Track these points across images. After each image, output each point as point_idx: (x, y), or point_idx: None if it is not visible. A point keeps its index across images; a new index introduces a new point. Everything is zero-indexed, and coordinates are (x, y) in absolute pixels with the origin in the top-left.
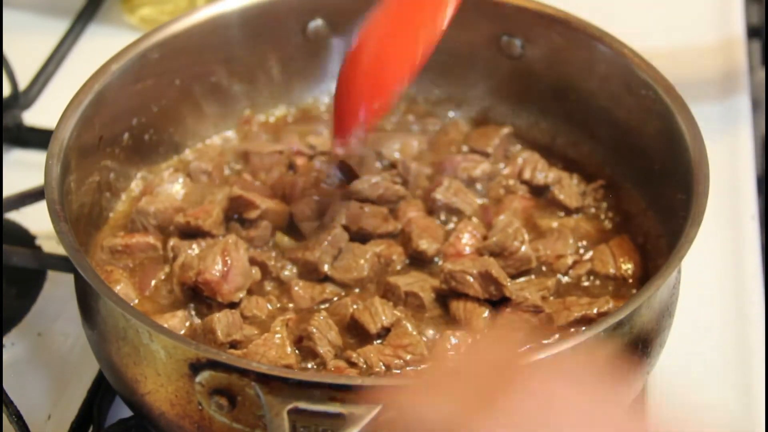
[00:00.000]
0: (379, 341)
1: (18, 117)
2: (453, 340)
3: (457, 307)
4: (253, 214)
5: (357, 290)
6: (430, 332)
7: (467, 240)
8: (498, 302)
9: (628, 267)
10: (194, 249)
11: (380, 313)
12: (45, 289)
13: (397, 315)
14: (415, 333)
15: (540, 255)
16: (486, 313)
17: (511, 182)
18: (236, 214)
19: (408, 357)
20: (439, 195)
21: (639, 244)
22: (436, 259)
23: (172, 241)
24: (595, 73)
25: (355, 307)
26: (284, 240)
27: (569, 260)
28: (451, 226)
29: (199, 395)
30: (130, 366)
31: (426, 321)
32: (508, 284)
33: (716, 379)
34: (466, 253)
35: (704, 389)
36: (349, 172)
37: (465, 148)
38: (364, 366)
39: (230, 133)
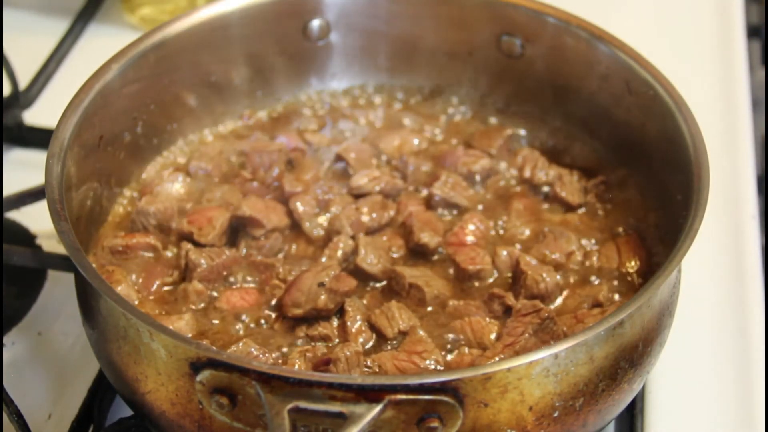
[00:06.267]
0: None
1: (18, 116)
2: (466, 350)
3: (462, 328)
4: (258, 232)
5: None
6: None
7: (471, 230)
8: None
9: (632, 264)
10: (204, 262)
11: (397, 318)
12: (45, 288)
13: (414, 320)
14: (429, 340)
15: (548, 259)
16: (495, 329)
17: (512, 180)
18: (241, 228)
19: (422, 363)
20: (437, 190)
21: (643, 241)
22: (440, 250)
23: (186, 250)
24: (595, 73)
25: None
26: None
27: (578, 255)
28: (451, 219)
29: (199, 394)
30: (130, 365)
31: (427, 317)
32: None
33: (716, 379)
34: (468, 242)
35: (704, 389)
36: (347, 167)
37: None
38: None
39: (230, 132)
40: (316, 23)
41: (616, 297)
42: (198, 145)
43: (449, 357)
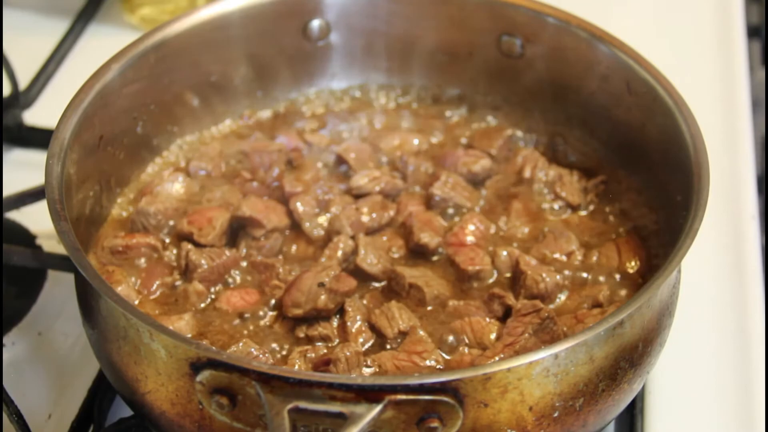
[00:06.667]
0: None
1: (18, 116)
2: (466, 350)
3: (462, 328)
4: (258, 233)
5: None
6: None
7: (471, 230)
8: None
9: (632, 264)
10: (204, 262)
11: (397, 318)
12: (45, 288)
13: (414, 320)
14: (429, 340)
15: (549, 259)
16: (495, 329)
17: (512, 180)
18: (241, 228)
19: (422, 363)
20: (437, 190)
21: (643, 241)
22: (440, 250)
23: (186, 251)
24: (595, 73)
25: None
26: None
27: (578, 255)
28: (451, 219)
29: (199, 394)
30: (130, 365)
31: (427, 317)
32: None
33: (716, 379)
34: (468, 242)
35: (704, 389)
36: (347, 167)
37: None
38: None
39: (230, 132)
40: (316, 23)
41: (617, 297)
42: (198, 145)
43: (449, 357)
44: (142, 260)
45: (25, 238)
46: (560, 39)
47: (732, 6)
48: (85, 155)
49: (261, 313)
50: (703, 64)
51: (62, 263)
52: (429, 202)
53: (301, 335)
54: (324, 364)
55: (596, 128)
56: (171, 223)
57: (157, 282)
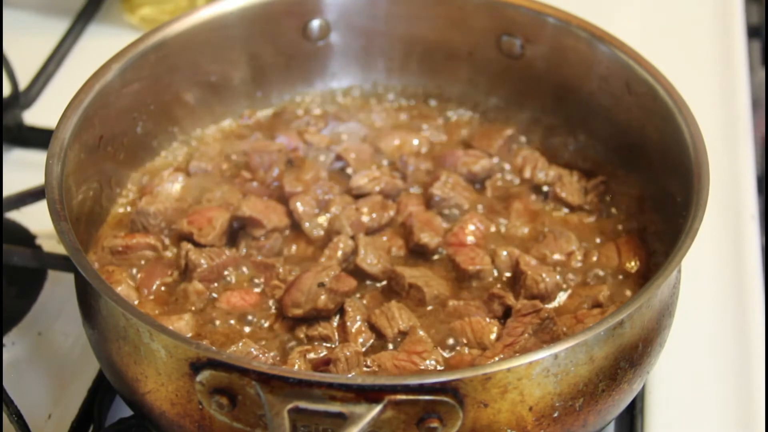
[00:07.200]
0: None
1: (18, 116)
2: (466, 350)
3: (462, 328)
4: (258, 233)
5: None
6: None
7: (471, 230)
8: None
9: (632, 264)
10: (204, 262)
11: (397, 318)
12: (45, 288)
13: (414, 320)
14: (429, 340)
15: (549, 259)
16: (495, 329)
17: (512, 180)
18: (241, 228)
19: (422, 363)
20: (437, 190)
21: (643, 241)
22: (440, 250)
23: (186, 250)
24: (595, 73)
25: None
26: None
27: (578, 255)
28: (451, 219)
29: (199, 394)
30: (130, 365)
31: (426, 317)
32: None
33: (716, 379)
34: (468, 242)
35: (704, 389)
36: (347, 167)
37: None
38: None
39: (230, 132)
40: (316, 23)
41: (617, 297)
42: (198, 145)
43: (449, 357)
44: (142, 260)
45: (25, 238)
46: (560, 39)
47: (732, 6)
48: (85, 155)
49: (261, 313)
50: (703, 64)
51: (62, 263)
52: (429, 202)
53: (301, 335)
54: (324, 364)
55: (596, 128)
56: (171, 223)
57: (157, 282)
